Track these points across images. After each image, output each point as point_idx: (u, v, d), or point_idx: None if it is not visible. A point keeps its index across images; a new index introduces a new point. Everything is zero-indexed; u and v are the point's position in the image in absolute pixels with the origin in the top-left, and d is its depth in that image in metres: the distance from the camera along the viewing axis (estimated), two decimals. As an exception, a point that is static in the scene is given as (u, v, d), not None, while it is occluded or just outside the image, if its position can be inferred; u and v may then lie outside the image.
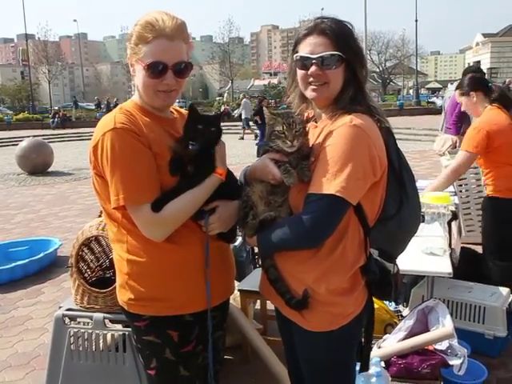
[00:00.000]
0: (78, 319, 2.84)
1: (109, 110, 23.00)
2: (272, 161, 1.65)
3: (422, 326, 2.76)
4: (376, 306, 1.95)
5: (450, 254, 3.20)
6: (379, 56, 62.86)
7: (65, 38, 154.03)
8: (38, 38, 53.39)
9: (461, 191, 5.06)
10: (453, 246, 4.25)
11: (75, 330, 2.73)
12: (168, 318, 1.73)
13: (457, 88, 3.82)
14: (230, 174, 1.81)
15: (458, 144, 5.61)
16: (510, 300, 3.38)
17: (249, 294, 3.28)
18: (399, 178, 1.68)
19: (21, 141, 13.31)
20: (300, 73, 1.67)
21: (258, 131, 18.48)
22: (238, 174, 1.85)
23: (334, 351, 1.68)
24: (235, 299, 3.29)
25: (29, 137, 13.28)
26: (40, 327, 4.08)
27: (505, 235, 3.49)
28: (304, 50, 1.64)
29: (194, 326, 1.78)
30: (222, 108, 24.19)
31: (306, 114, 1.75)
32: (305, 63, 1.64)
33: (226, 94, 49.54)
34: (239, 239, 1.79)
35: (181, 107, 2.11)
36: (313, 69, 1.62)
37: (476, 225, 4.94)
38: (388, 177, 1.65)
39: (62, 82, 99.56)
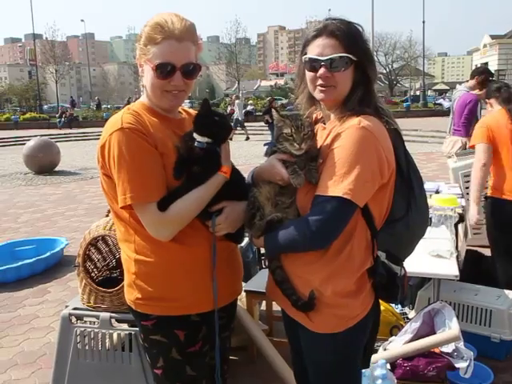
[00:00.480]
0: (85, 318, 2.86)
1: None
2: (280, 162, 1.65)
3: (428, 329, 2.74)
4: (382, 307, 1.95)
5: (457, 257, 3.19)
6: (386, 57, 62.68)
7: (72, 38, 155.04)
8: (46, 38, 53.70)
9: (468, 193, 5.03)
10: (458, 249, 4.23)
11: (82, 329, 2.75)
12: (175, 318, 1.73)
13: (492, 96, 3.80)
14: (237, 173, 1.81)
15: (467, 146, 5.57)
16: (516, 303, 3.36)
17: (255, 295, 3.29)
18: (407, 181, 1.68)
19: (28, 140, 13.39)
20: (309, 74, 1.67)
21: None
22: (244, 175, 1.85)
23: (339, 353, 1.68)
24: (241, 300, 3.29)
25: (36, 136, 13.33)
26: (46, 326, 4.10)
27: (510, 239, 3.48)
28: (313, 51, 1.63)
29: (201, 326, 1.78)
30: (229, 109, 24.16)
31: (314, 116, 1.75)
32: (314, 65, 1.63)
33: (234, 96, 49.73)
34: (245, 240, 1.79)
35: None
36: (322, 71, 1.61)
37: (482, 227, 4.92)
38: (396, 179, 1.64)
39: (68, 81, 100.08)
